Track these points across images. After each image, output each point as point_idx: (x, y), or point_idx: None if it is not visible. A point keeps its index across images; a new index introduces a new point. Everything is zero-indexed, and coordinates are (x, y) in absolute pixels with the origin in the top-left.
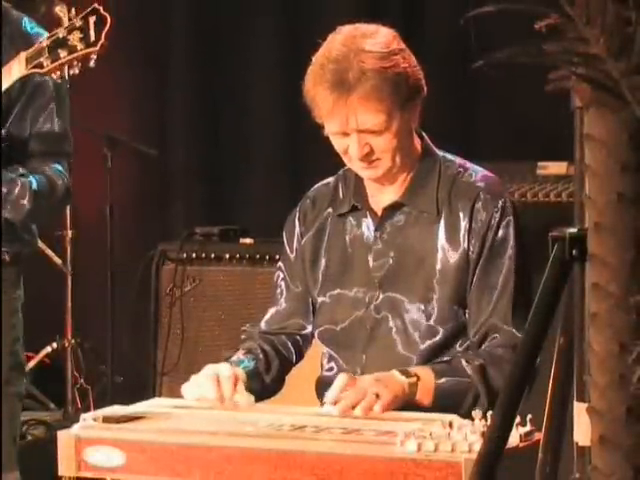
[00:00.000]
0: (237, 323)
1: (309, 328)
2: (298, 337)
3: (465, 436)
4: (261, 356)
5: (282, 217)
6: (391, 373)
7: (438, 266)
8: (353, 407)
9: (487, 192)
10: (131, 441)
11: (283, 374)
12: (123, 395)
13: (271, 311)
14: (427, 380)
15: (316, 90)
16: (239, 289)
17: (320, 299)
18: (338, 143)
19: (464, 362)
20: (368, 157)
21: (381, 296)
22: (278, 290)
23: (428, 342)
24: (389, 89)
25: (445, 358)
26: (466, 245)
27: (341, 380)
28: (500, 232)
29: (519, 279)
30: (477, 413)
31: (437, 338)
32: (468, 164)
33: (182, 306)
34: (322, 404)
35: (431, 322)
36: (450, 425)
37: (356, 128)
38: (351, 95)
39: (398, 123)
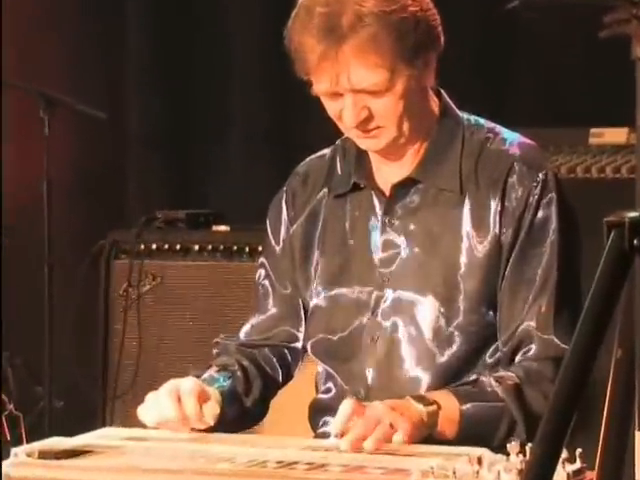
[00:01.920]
0: (209, 333)
1: (300, 339)
2: (286, 350)
3: (498, 475)
4: (239, 374)
5: (265, 199)
6: (405, 400)
7: (463, 258)
8: (363, 439)
9: (524, 163)
10: None
11: (267, 397)
12: (64, 424)
13: (252, 318)
14: (450, 407)
15: (300, 39)
16: (211, 290)
17: (313, 302)
18: (329, 106)
19: (494, 382)
20: (366, 124)
21: (390, 297)
22: (261, 291)
23: (448, 354)
24: (392, 38)
25: (471, 377)
26: (497, 230)
27: (347, 407)
28: (540, 213)
29: (564, 273)
30: (513, 446)
31: (461, 348)
32: (499, 128)
33: (139, 311)
34: (317, 434)
35: (453, 328)
36: (479, 461)
37: (349, 88)
38: (343, 45)
39: (405, 81)
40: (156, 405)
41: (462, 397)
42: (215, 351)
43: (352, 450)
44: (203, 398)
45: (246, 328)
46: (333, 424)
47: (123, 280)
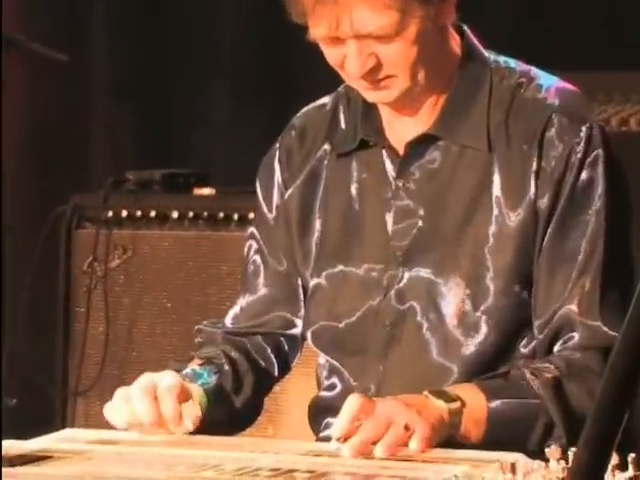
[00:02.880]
0: (190, 318)
1: (299, 325)
2: (282, 339)
3: None
4: (227, 368)
5: (255, 157)
6: (423, 396)
7: (492, 228)
8: (373, 444)
9: (564, 114)
10: None
11: (260, 394)
12: (19, 424)
13: (241, 301)
14: (476, 404)
15: None
16: (193, 265)
17: (314, 281)
18: (329, 53)
19: (528, 374)
20: (374, 74)
21: (406, 276)
22: (251, 268)
23: (476, 343)
24: None
25: (501, 369)
26: (532, 195)
27: (352, 404)
28: (584, 174)
29: (612, 246)
30: (553, 450)
31: (490, 336)
32: (535, 72)
33: (107, 290)
34: (318, 438)
35: (480, 312)
36: (512, 469)
37: (352, 33)
38: None
39: (418, 23)
40: (127, 403)
41: (490, 392)
42: (198, 340)
43: (357, 456)
44: (183, 397)
45: (234, 312)
46: (335, 425)
47: (87, 253)
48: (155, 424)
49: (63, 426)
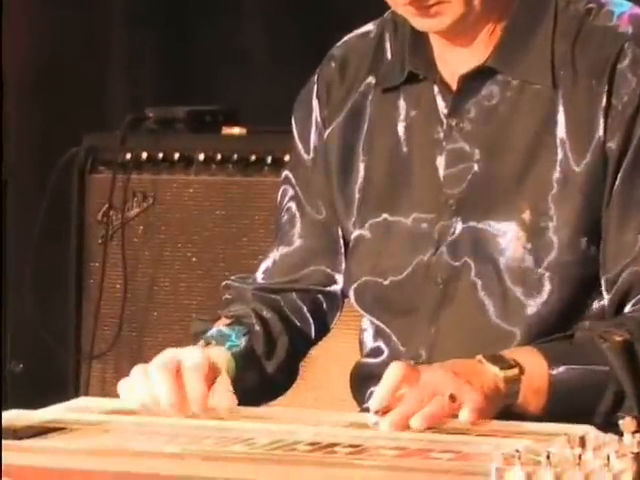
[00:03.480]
0: (217, 272)
1: (339, 281)
2: (320, 296)
3: (607, 461)
4: (258, 329)
5: (291, 92)
6: (476, 361)
7: (556, 173)
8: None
9: (639, 44)
10: (42, 469)
11: (296, 358)
12: (27, 392)
13: (274, 253)
14: (536, 371)
15: None
16: (221, 214)
17: (357, 232)
18: None
19: (597, 337)
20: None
21: (459, 227)
22: (285, 217)
23: (539, 303)
24: None
25: (567, 331)
26: (602, 135)
27: (394, 373)
28: None
29: None
30: (627, 423)
31: (554, 296)
32: None
33: (124, 243)
34: (362, 409)
35: (544, 269)
36: (581, 442)
37: None
38: None
39: None
40: (145, 382)
41: (553, 357)
42: (225, 297)
43: (397, 431)
44: (212, 377)
45: (266, 266)
46: (373, 396)
47: (102, 201)
48: (177, 407)
49: (76, 394)
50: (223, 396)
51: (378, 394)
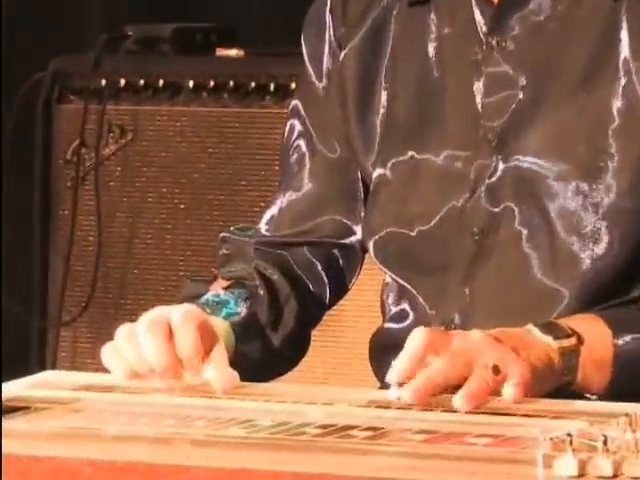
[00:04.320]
0: (211, 222)
1: (357, 233)
2: (336, 251)
3: None
4: (261, 291)
5: (299, 7)
6: (524, 330)
7: (618, 102)
8: (446, 390)
9: None
10: (7, 456)
11: (307, 327)
12: None
13: (280, 200)
14: (598, 341)
15: None
16: (215, 152)
17: (378, 173)
18: None
19: None
20: None
21: (501, 167)
22: (293, 157)
23: (595, 258)
24: None
25: (630, 295)
26: None
27: (418, 338)
28: None
29: None
30: None
31: (614, 248)
32: None
33: (98, 186)
34: (383, 384)
35: (601, 216)
36: None
37: None
38: None
39: None
40: (132, 343)
41: (617, 325)
42: (222, 253)
43: (421, 402)
44: (208, 342)
45: (271, 215)
46: (394, 366)
47: (73, 137)
48: (169, 372)
49: (42, 367)
50: (219, 370)
51: (398, 364)
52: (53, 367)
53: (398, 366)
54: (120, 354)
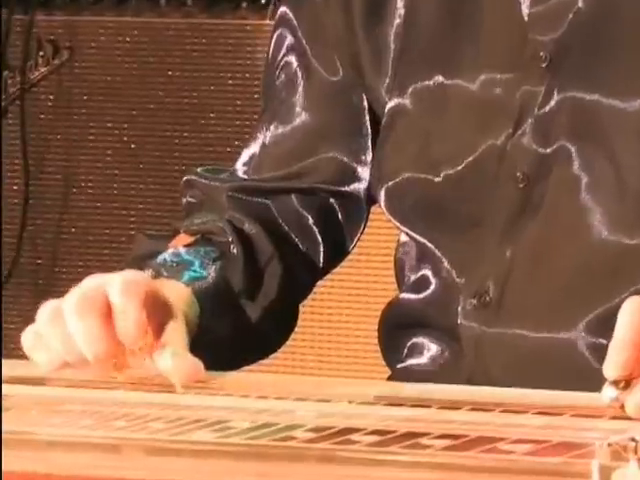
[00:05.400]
0: (168, 163)
1: (363, 177)
2: (333, 201)
3: None
4: (235, 251)
5: None
6: None
7: None
8: None
9: None
10: None
11: (294, 299)
12: None
13: (262, 135)
14: None
15: None
16: (174, 75)
17: (393, 102)
18: None
19: None
20: None
21: (555, 96)
22: (281, 78)
23: None
24: None
25: None
26: None
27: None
28: None
29: None
30: None
31: None
32: None
33: (24, 119)
34: (395, 372)
35: None
36: None
37: None
38: None
39: None
40: (58, 327)
41: None
42: (186, 200)
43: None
44: (159, 316)
45: (250, 153)
46: (609, 358)
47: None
48: (107, 362)
49: None
50: (177, 356)
51: (615, 352)
52: None
53: (616, 354)
54: (44, 341)
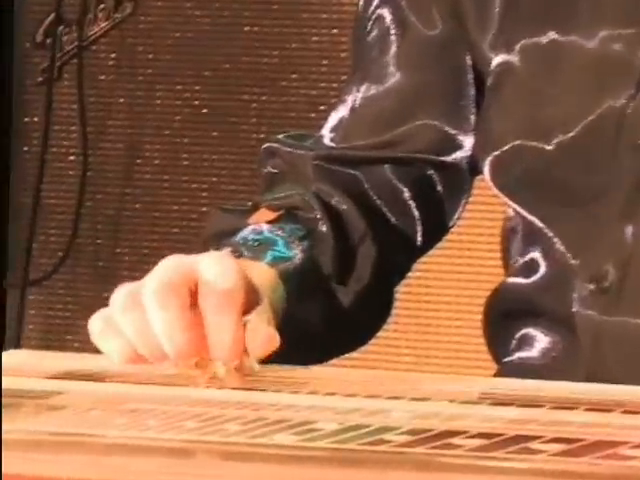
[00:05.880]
0: (246, 128)
1: (466, 146)
2: (432, 173)
3: None
4: (324, 228)
5: None
6: None
7: None
8: None
9: None
10: None
11: (389, 282)
12: None
13: (352, 97)
14: None
15: None
16: (253, 31)
17: (499, 59)
18: None
19: None
20: None
21: None
22: (373, 34)
23: None
24: None
25: None
26: None
27: None
28: None
29: None
30: None
31: None
32: None
33: (82, 81)
34: (503, 365)
35: None
36: None
37: None
38: None
39: None
40: (136, 315)
41: None
42: (267, 170)
43: None
44: (245, 307)
45: (338, 118)
46: None
47: (46, 8)
48: (189, 356)
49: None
50: (260, 343)
51: None
52: (17, 344)
53: None
54: (117, 329)
